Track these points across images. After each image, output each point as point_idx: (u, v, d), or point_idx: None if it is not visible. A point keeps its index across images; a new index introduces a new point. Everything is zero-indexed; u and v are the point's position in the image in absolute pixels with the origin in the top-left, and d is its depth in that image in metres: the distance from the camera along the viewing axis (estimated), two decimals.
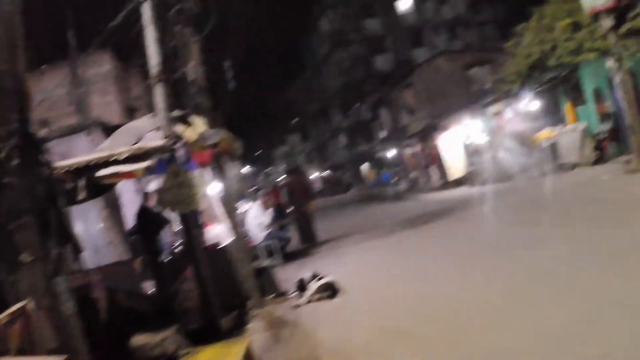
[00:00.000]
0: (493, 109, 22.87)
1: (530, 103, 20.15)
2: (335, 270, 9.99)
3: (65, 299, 4.67)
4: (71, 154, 8.00)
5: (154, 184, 10.01)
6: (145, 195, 10.00)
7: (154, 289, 8.54)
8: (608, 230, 8.24)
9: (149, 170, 7.33)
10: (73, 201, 6.86)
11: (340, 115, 54.33)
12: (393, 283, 9.06)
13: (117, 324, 6.81)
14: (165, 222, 9.78)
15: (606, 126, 16.27)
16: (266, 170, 25.83)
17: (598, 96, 17.25)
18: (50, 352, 4.10)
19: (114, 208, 10.43)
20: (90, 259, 7.80)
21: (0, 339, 4.15)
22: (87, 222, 10.14)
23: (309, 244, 14.54)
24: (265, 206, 13.23)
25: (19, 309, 4.35)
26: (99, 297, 7.25)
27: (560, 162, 17.41)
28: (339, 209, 28.56)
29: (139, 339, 6.20)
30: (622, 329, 4.68)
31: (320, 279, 9.36)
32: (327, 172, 57.11)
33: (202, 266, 6.64)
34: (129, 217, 10.47)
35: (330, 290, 9.11)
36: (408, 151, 34.03)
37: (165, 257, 9.59)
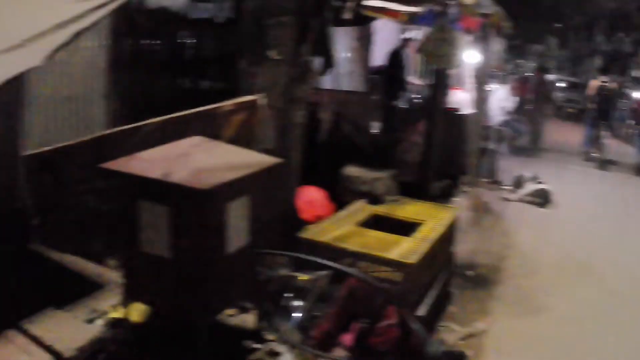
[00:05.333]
0: None
1: None
2: (553, 181, 9.39)
3: (298, 106, 4.57)
4: None
5: (412, 33, 9.78)
6: (405, 41, 9.77)
7: (379, 130, 8.59)
8: None
9: (413, 18, 7.12)
10: (336, 19, 6.86)
11: (602, 36, 48.72)
12: (604, 217, 8.42)
13: (334, 150, 6.88)
14: (402, 82, 9.61)
15: None
16: (518, 61, 24.19)
17: None
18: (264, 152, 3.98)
19: (365, 41, 10.30)
20: (327, 81, 7.87)
21: (219, 124, 4.11)
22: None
23: (536, 145, 13.77)
24: (514, 93, 12.60)
25: (248, 101, 4.27)
26: (324, 119, 7.32)
27: None
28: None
29: (352, 170, 6.19)
30: None
31: (538, 182, 9.05)
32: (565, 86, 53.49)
33: (435, 125, 6.48)
34: (377, 55, 10.42)
35: (543, 198, 8.82)
36: None
37: (401, 104, 9.46)
